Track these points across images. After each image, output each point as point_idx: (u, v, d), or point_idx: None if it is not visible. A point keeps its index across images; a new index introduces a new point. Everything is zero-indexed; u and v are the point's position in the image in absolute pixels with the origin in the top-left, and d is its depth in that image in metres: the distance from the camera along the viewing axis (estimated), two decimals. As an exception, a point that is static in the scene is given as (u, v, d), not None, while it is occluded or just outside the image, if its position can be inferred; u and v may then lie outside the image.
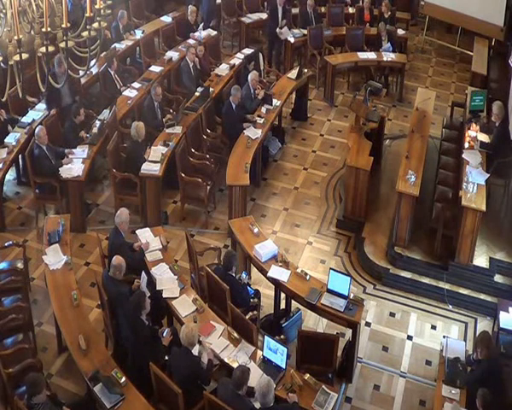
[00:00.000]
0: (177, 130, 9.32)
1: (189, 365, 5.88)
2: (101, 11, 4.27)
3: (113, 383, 5.77)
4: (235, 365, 6.01)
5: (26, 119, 9.32)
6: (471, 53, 12.72)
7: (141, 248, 7.28)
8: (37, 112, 9.50)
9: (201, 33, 12.20)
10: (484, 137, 8.98)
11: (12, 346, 6.33)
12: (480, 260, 8.09)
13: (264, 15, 13.42)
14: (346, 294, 6.78)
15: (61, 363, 6.88)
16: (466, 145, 8.83)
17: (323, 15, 13.38)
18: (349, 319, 6.66)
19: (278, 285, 7.16)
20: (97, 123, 9.29)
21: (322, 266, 8.30)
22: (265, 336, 6.20)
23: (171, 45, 11.99)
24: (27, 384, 5.54)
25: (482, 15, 12.67)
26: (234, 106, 9.59)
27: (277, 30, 12.47)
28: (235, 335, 6.37)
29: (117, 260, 6.64)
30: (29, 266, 7.67)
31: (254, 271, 7.62)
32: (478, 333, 7.05)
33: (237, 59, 11.62)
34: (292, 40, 12.46)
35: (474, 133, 9.01)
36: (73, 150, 8.74)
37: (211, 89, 10.33)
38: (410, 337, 7.50)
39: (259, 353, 6.24)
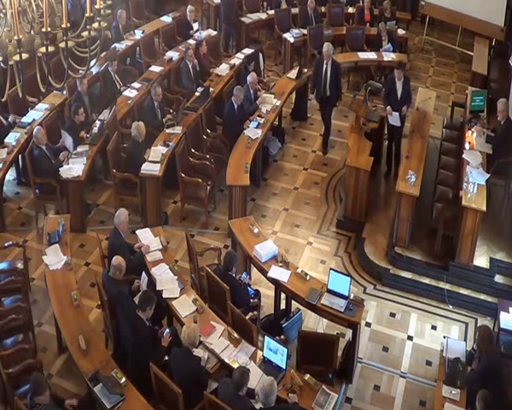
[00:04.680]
0: (177, 130, 9.32)
1: (189, 365, 5.88)
2: (101, 11, 4.26)
3: (113, 384, 5.77)
4: (235, 365, 6.01)
5: (26, 119, 9.32)
6: (471, 53, 12.72)
7: (140, 250, 7.27)
8: (38, 112, 9.50)
9: (201, 33, 12.20)
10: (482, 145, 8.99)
11: (12, 346, 6.33)
12: (481, 260, 8.08)
13: (263, 15, 13.42)
14: (347, 294, 6.77)
15: (61, 363, 6.88)
16: (466, 145, 8.82)
17: (324, 15, 13.38)
18: (349, 320, 6.65)
19: (278, 285, 7.16)
20: (97, 123, 9.29)
21: (323, 267, 8.29)
22: (265, 337, 6.20)
23: (171, 45, 11.99)
24: (31, 384, 5.55)
25: (482, 15, 12.68)
26: (236, 106, 9.58)
27: (387, 109, 9.50)
28: (236, 335, 6.37)
29: (117, 260, 6.64)
30: (29, 267, 7.67)
31: (254, 271, 7.61)
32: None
33: (237, 59, 11.62)
34: (292, 40, 12.46)
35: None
36: (67, 143, 8.74)
37: (211, 89, 10.33)
38: (410, 338, 7.49)
39: (259, 353, 6.24)
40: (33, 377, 5.59)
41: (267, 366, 6.11)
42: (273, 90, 10.69)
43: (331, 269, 6.98)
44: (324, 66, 10.13)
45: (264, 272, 7.24)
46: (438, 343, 7.10)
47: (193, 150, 9.28)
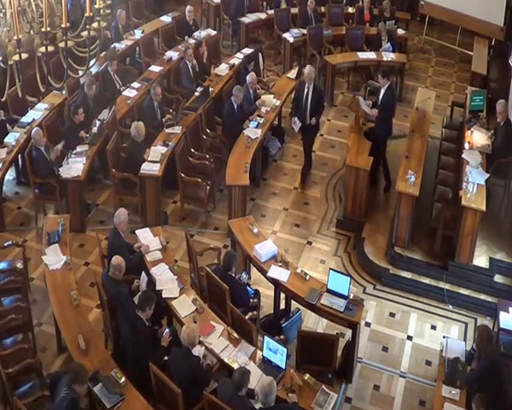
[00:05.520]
0: (177, 130, 9.32)
1: (189, 365, 5.87)
2: (101, 11, 4.26)
3: (112, 384, 5.77)
4: (234, 365, 6.02)
5: (25, 118, 9.31)
6: (471, 53, 12.73)
7: (140, 249, 7.27)
8: (37, 112, 9.49)
9: (201, 33, 12.20)
10: (482, 139, 8.98)
11: (11, 346, 6.32)
12: (480, 260, 8.08)
13: (263, 15, 13.42)
14: (346, 294, 6.77)
15: (60, 363, 6.87)
16: (466, 145, 8.82)
17: (323, 15, 13.38)
18: (349, 320, 6.65)
19: (278, 285, 7.15)
20: (97, 123, 9.28)
21: (322, 266, 8.29)
22: (265, 337, 6.20)
23: (171, 45, 11.98)
24: (72, 371, 5.61)
25: (482, 15, 12.68)
26: (235, 106, 9.57)
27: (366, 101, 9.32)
28: (235, 335, 6.37)
29: (116, 260, 6.63)
30: (28, 266, 7.66)
31: (254, 271, 7.61)
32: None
33: (237, 59, 11.61)
34: (291, 40, 12.46)
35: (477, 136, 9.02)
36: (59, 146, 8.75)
37: (210, 89, 10.32)
38: (409, 338, 7.49)
39: (259, 353, 6.24)
40: (76, 366, 5.69)
41: (267, 365, 6.10)
42: (273, 89, 10.70)
43: (331, 269, 6.98)
44: (305, 89, 9.35)
45: (263, 272, 7.24)
46: (437, 343, 7.10)
47: (192, 150, 9.28)
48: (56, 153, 8.61)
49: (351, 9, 13.68)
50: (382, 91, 9.19)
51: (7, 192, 9.24)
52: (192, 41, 11.83)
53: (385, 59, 11.85)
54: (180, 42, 12.06)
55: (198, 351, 6.09)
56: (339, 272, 6.98)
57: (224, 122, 9.90)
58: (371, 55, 12.03)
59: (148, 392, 5.94)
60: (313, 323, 7.45)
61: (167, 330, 6.36)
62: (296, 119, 9.41)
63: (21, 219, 8.93)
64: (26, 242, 8.31)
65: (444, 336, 7.07)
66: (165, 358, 6.18)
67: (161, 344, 6.24)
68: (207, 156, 9.22)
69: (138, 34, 11.90)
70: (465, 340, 7.32)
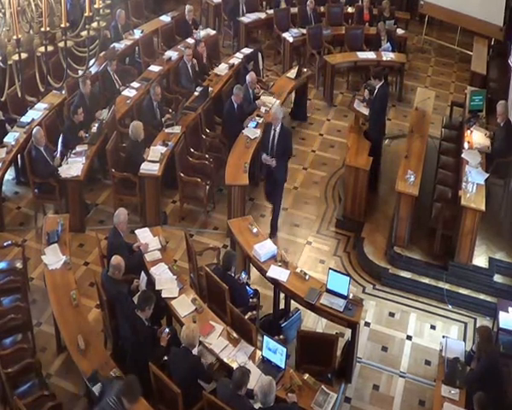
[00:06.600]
0: (177, 130, 9.32)
1: (188, 365, 5.87)
2: (101, 11, 4.26)
3: (112, 384, 5.75)
4: (234, 365, 6.01)
5: (25, 118, 9.31)
6: (470, 53, 12.74)
7: (139, 249, 7.27)
8: (37, 111, 9.49)
9: (200, 33, 12.19)
10: (481, 139, 8.98)
11: (11, 346, 6.32)
12: (480, 259, 8.08)
13: (262, 15, 13.43)
14: (346, 294, 6.77)
15: (59, 363, 6.88)
16: (465, 145, 8.82)
17: (323, 15, 13.39)
18: (348, 319, 6.65)
19: (277, 285, 7.15)
20: (96, 123, 9.28)
21: (322, 266, 8.29)
22: (265, 336, 6.19)
23: (171, 45, 11.98)
24: (127, 382, 5.29)
25: (482, 15, 12.70)
26: (235, 105, 9.57)
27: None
28: (235, 335, 6.36)
29: (116, 259, 6.63)
30: (28, 266, 7.66)
31: (254, 271, 7.61)
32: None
33: (236, 59, 11.61)
34: (291, 40, 12.46)
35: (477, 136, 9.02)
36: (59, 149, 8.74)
37: (210, 88, 10.32)
38: (409, 337, 7.49)
39: (259, 353, 6.23)
40: (132, 379, 5.29)
41: (266, 365, 6.10)
42: (272, 89, 10.69)
43: (330, 269, 6.98)
44: (272, 131, 8.40)
45: (263, 272, 7.24)
46: (437, 343, 7.09)
47: (192, 150, 9.28)
48: (58, 160, 8.59)
49: (350, 9, 13.68)
50: (375, 90, 9.33)
51: (6, 192, 9.23)
52: (191, 41, 11.83)
53: (384, 59, 11.84)
54: (179, 41, 12.05)
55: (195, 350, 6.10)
56: (338, 272, 6.98)
57: (223, 122, 9.90)
58: (371, 54, 12.03)
59: (147, 392, 5.93)
60: (313, 323, 7.45)
61: (167, 329, 6.35)
62: (264, 155, 8.42)
63: (21, 218, 8.92)
64: (26, 241, 8.31)
65: (443, 336, 7.06)
66: (165, 358, 6.17)
67: (161, 344, 6.24)
68: (207, 156, 9.22)
69: (138, 34, 11.90)
70: (464, 340, 7.33)
